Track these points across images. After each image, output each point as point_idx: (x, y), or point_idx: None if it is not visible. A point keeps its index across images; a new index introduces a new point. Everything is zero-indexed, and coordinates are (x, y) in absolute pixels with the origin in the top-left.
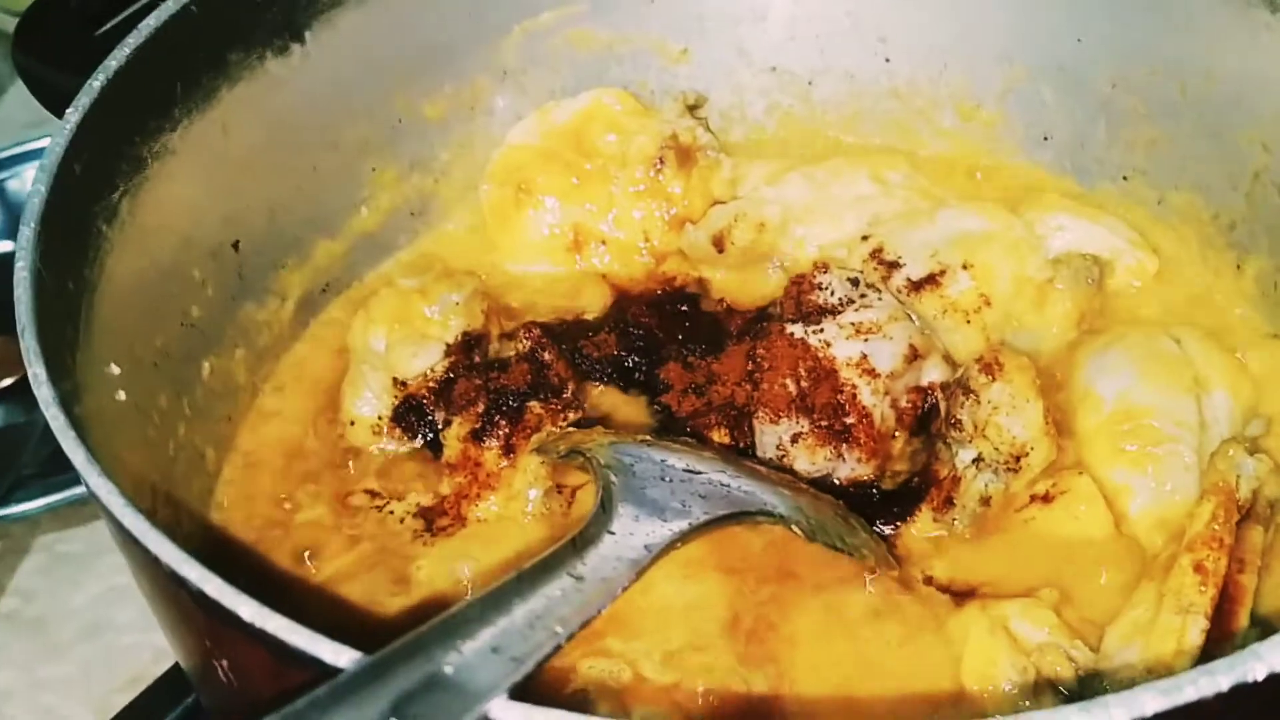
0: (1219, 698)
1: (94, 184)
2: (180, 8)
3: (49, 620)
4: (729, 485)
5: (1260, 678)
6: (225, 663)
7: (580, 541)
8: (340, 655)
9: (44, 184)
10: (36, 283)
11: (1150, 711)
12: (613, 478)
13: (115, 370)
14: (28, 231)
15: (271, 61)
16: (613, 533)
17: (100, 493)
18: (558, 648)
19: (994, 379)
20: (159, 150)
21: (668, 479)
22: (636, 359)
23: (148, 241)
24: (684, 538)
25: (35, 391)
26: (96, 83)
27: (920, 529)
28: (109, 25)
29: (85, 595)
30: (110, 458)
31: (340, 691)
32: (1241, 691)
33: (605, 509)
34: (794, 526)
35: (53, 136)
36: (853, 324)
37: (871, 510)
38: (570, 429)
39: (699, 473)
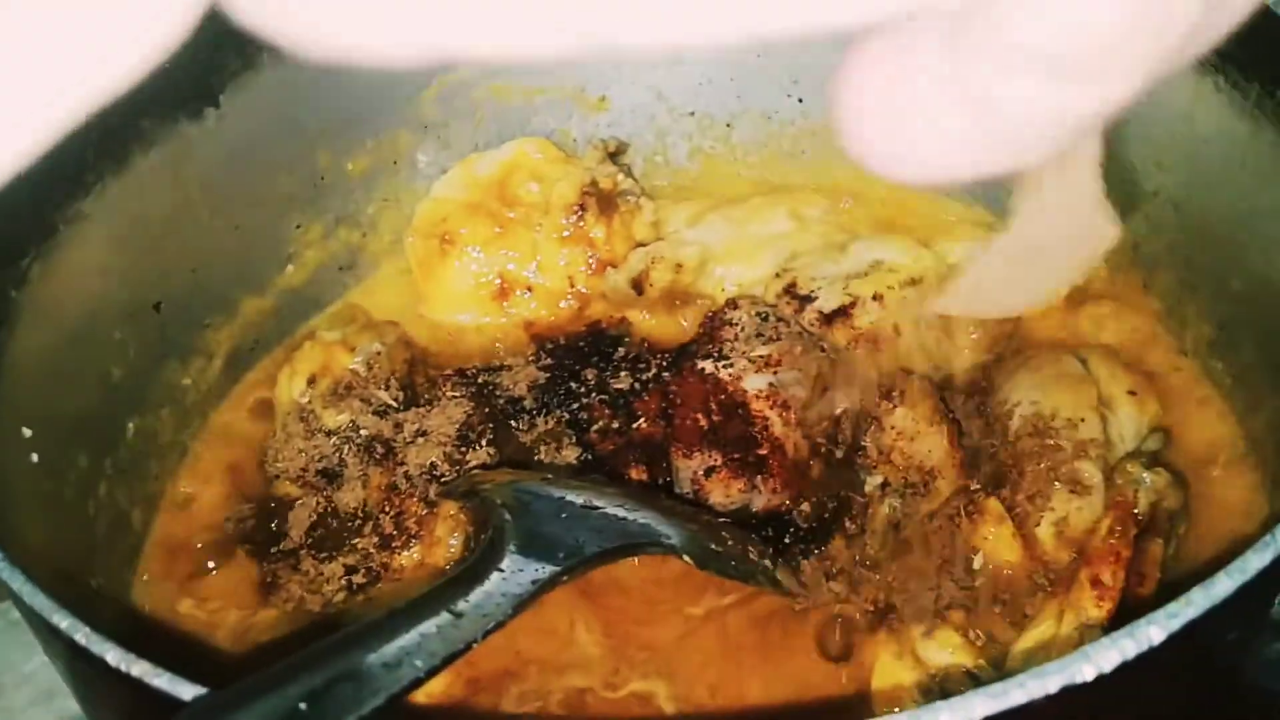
0: (1049, 699)
1: (2, 252)
2: None
3: (2, 686)
4: (625, 519)
5: (1089, 679)
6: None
7: (464, 579)
8: (196, 693)
9: None
10: None
11: (979, 715)
12: (506, 515)
13: (27, 433)
14: None
15: (186, 125)
16: (501, 570)
17: None
18: (417, 682)
19: (897, 405)
20: (71, 216)
21: (564, 515)
22: (559, 401)
23: (62, 306)
24: (572, 572)
25: None
26: None
27: (835, 554)
28: None
29: (38, 661)
30: (16, 521)
31: None
32: (1071, 692)
33: (495, 546)
34: (686, 556)
35: None
36: (761, 357)
37: (790, 538)
38: (475, 470)
39: (597, 508)
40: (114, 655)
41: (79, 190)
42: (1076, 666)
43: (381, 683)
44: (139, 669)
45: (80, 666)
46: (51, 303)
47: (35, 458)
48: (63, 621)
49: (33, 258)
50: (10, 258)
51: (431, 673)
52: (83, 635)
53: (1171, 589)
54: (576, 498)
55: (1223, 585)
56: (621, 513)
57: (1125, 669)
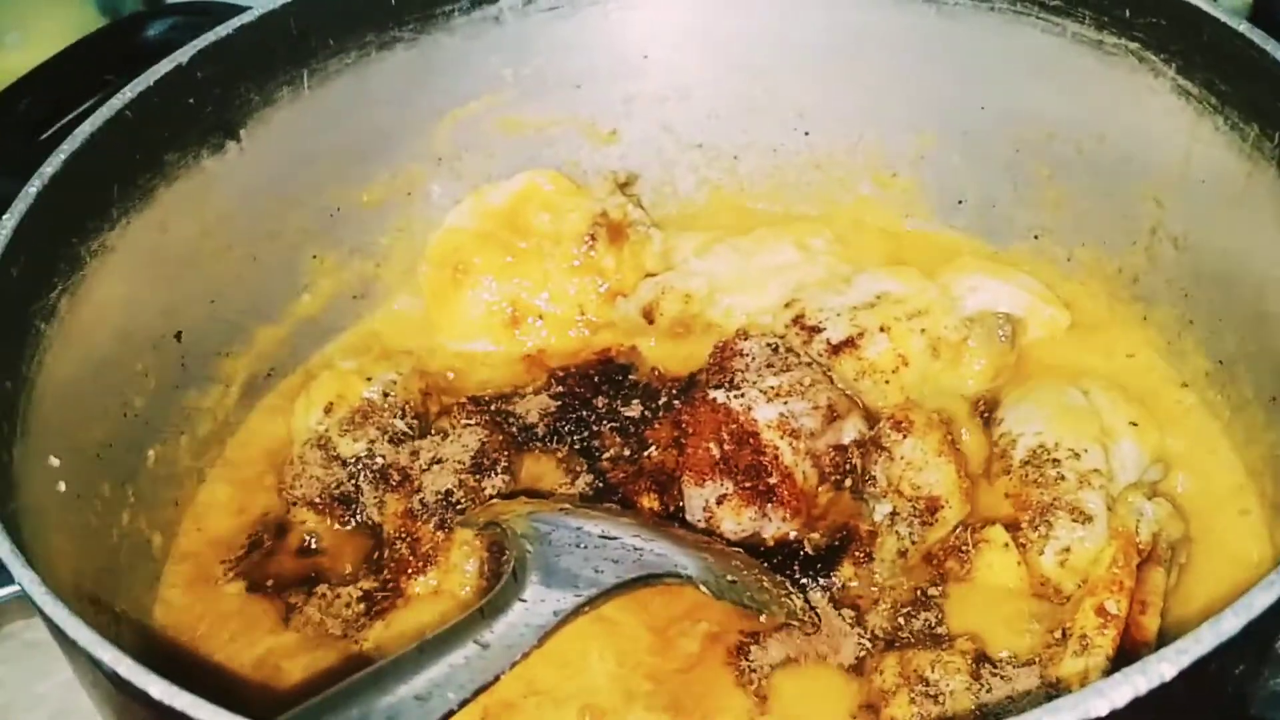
0: None
1: (31, 286)
2: (114, 114)
3: (15, 707)
4: (642, 549)
5: (1103, 713)
6: None
7: (489, 610)
8: None
9: None
10: None
11: None
12: (527, 546)
13: (55, 462)
14: None
15: (208, 159)
16: (524, 600)
17: (24, 582)
18: (450, 713)
19: (905, 436)
20: (97, 249)
21: (583, 545)
22: (571, 429)
23: (88, 336)
24: (593, 603)
25: None
26: (32, 189)
27: (844, 582)
28: (50, 131)
29: (51, 683)
30: (45, 548)
31: None
32: None
33: (517, 578)
34: (702, 587)
35: None
36: (772, 387)
37: (799, 566)
38: (494, 500)
39: (614, 538)
40: (158, 689)
41: (104, 224)
42: (1090, 702)
43: (414, 715)
44: (182, 702)
45: (121, 698)
46: (78, 334)
47: (62, 486)
48: (106, 655)
49: (60, 290)
50: (39, 291)
51: (463, 703)
52: (125, 668)
53: (1172, 617)
54: (594, 528)
55: (1230, 622)
56: (638, 543)
57: (1137, 704)
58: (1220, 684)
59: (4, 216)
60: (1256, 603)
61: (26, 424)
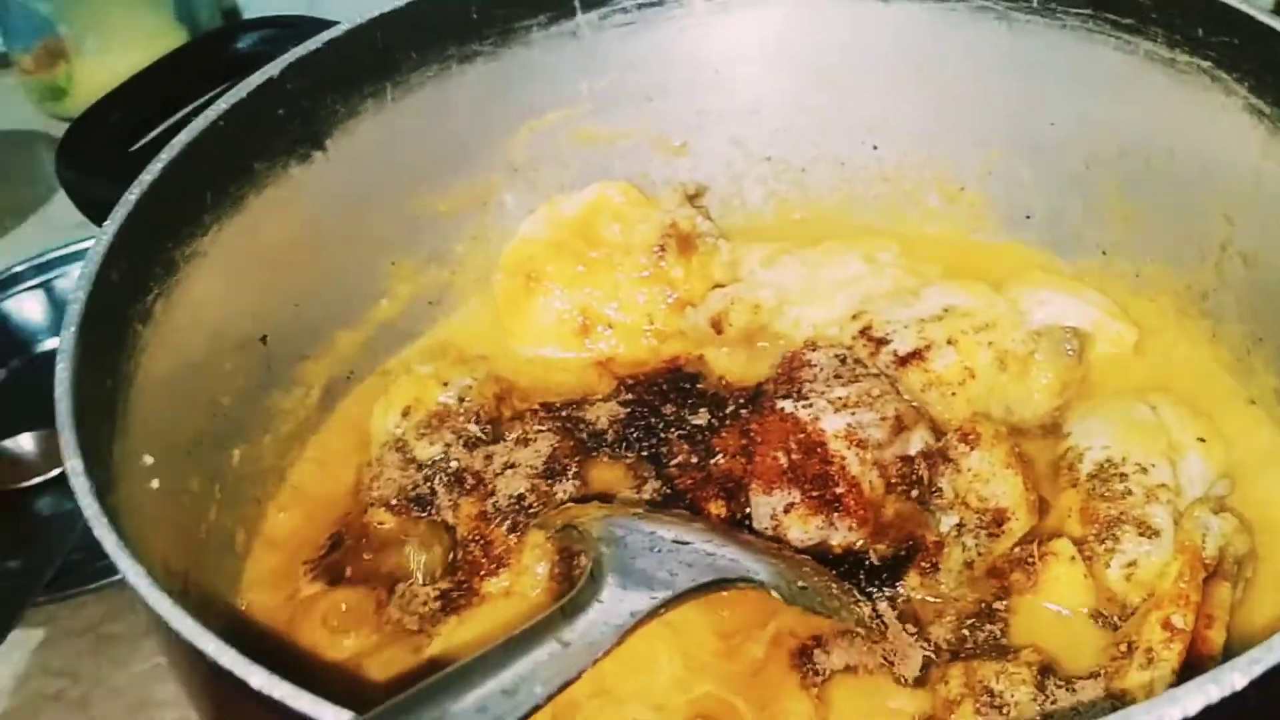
0: None
1: (130, 289)
2: (209, 124)
3: (94, 699)
4: (714, 554)
5: None
6: None
7: (570, 609)
8: (341, 718)
9: (83, 291)
10: (75, 383)
11: None
12: (604, 549)
13: (149, 460)
14: (68, 335)
15: (295, 168)
16: (601, 601)
17: (129, 575)
18: (536, 707)
19: (973, 448)
20: (190, 254)
21: (657, 549)
22: (640, 436)
23: (181, 339)
24: (668, 605)
25: (72, 483)
26: (132, 196)
27: (909, 593)
28: (144, 140)
29: (128, 674)
30: (142, 543)
31: None
32: None
33: (595, 578)
34: (774, 591)
35: (91, 247)
36: (840, 398)
37: (865, 576)
38: (568, 504)
39: (686, 543)
40: (258, 679)
41: (198, 230)
42: (1164, 709)
43: (503, 708)
44: (282, 692)
45: (219, 689)
46: (172, 337)
47: (155, 484)
48: (209, 645)
49: (157, 294)
50: (137, 295)
51: (549, 698)
52: (229, 659)
53: (1238, 633)
54: (667, 533)
55: None
56: (710, 548)
57: (1209, 711)
58: None
59: (104, 223)
60: None
61: (126, 422)
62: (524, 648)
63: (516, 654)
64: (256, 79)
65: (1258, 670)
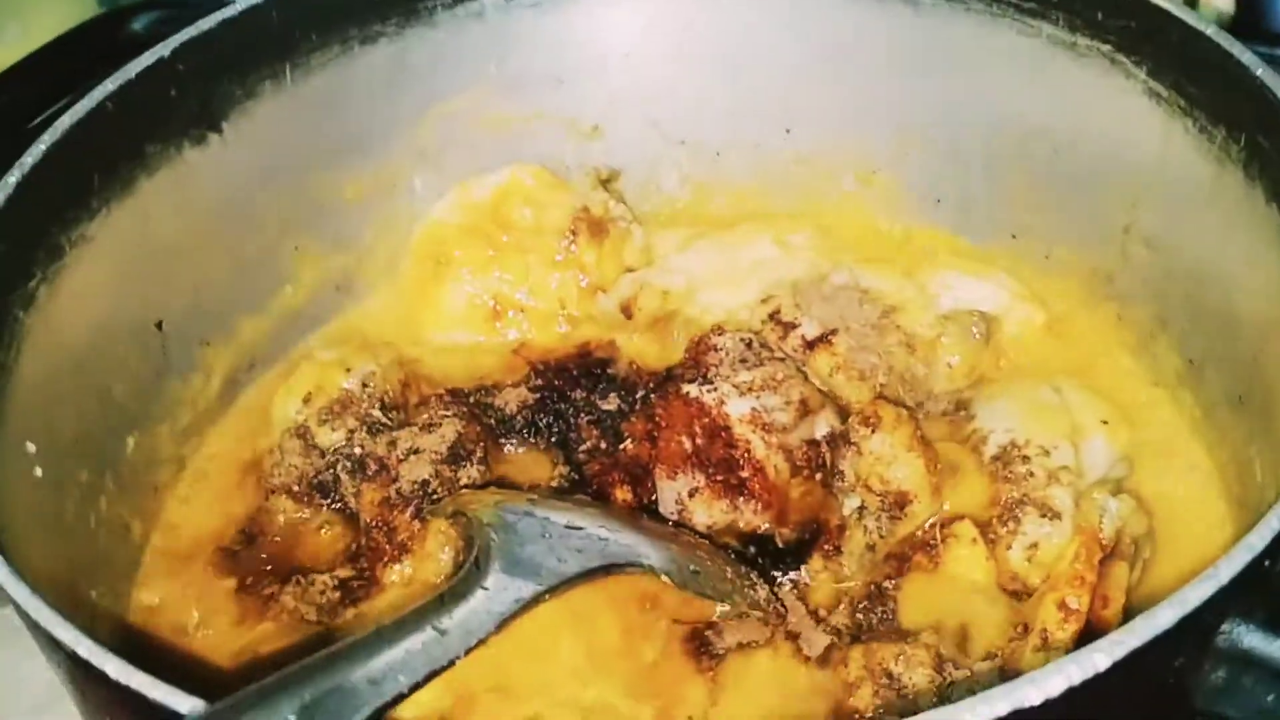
0: None
1: (10, 274)
2: (96, 104)
3: (3, 693)
4: (606, 539)
5: (1036, 702)
6: None
7: (449, 596)
8: (193, 706)
9: None
10: None
11: None
12: (492, 535)
13: (31, 448)
14: None
15: (190, 151)
16: (485, 588)
17: None
18: (400, 696)
19: (874, 431)
20: (77, 239)
21: (548, 535)
22: (549, 422)
23: (67, 325)
24: (554, 591)
25: None
26: (12, 178)
27: (814, 575)
28: (36, 121)
29: (37, 664)
30: (19, 533)
31: None
32: (1019, 716)
33: (479, 565)
34: (664, 576)
35: None
36: (745, 382)
37: (770, 559)
38: (463, 490)
39: (579, 528)
40: (114, 667)
41: (84, 214)
42: (1024, 691)
43: (367, 697)
44: (138, 681)
45: (81, 678)
46: (57, 323)
47: (39, 472)
48: (65, 634)
49: (40, 279)
50: (18, 280)
51: (415, 688)
52: (85, 648)
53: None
54: (560, 518)
55: (1165, 615)
56: (603, 533)
57: (1072, 693)
58: (1159, 676)
59: None
60: (1191, 596)
61: (3, 410)
62: (397, 635)
63: (389, 642)
64: (146, 59)
65: (1120, 652)
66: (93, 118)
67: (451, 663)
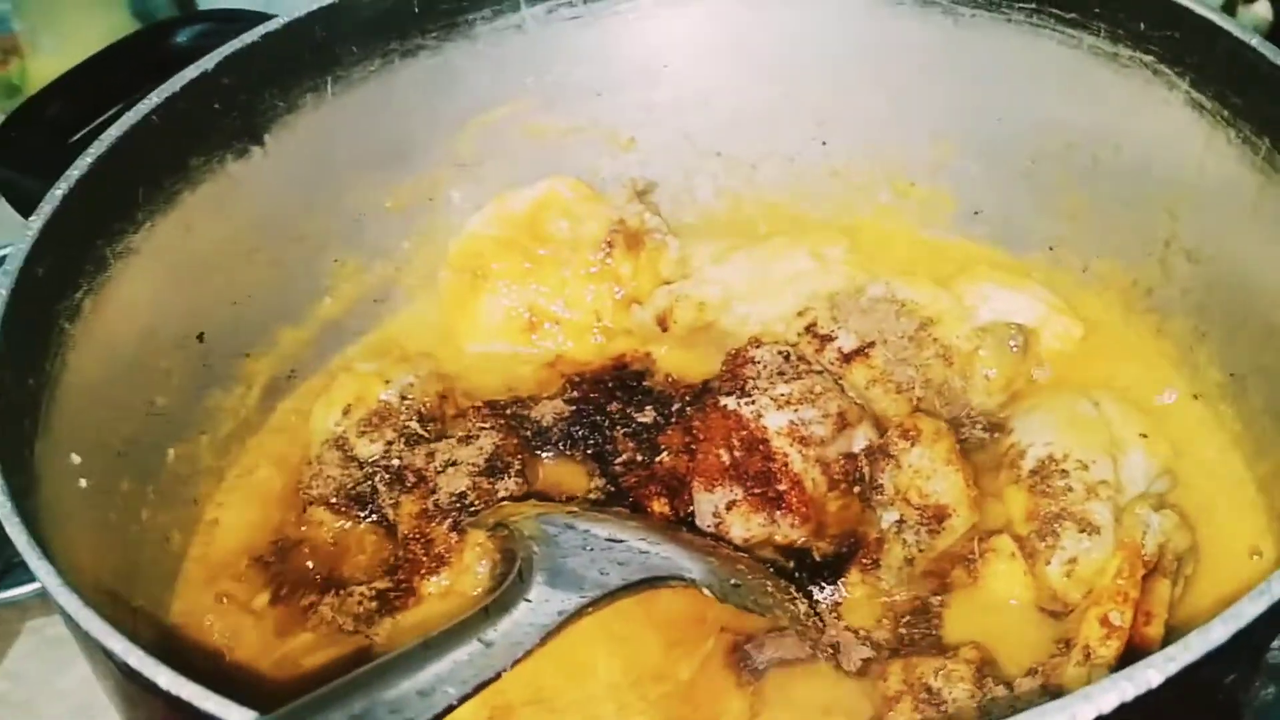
0: None
1: (56, 285)
2: (141, 118)
3: (37, 702)
4: (648, 552)
5: (1089, 719)
6: None
7: (494, 608)
8: (245, 718)
9: (5, 288)
10: None
11: None
12: (535, 548)
13: (76, 459)
14: None
15: (232, 164)
16: (529, 600)
17: (39, 572)
18: (450, 708)
19: (913, 444)
20: (122, 250)
21: (589, 548)
22: (585, 434)
23: (111, 336)
24: (597, 604)
25: None
26: (59, 190)
27: (852, 589)
28: (80, 134)
29: (73, 678)
30: (65, 542)
31: None
32: None
33: (522, 577)
34: (706, 589)
35: (15, 242)
36: (783, 395)
37: (808, 573)
38: (504, 502)
39: (620, 541)
40: (166, 679)
41: (129, 226)
42: (1077, 707)
43: (417, 709)
44: (189, 692)
45: (131, 689)
46: (102, 334)
47: (83, 483)
48: (117, 645)
49: (85, 291)
50: (64, 292)
51: (464, 699)
52: (136, 659)
53: (1178, 630)
54: (601, 531)
55: (1218, 631)
56: (644, 546)
57: (1124, 709)
58: (1210, 693)
59: (31, 218)
60: (1245, 612)
61: (49, 421)
62: (444, 647)
63: (436, 654)
64: (190, 73)
65: (1173, 668)
66: (138, 131)
67: (498, 674)
